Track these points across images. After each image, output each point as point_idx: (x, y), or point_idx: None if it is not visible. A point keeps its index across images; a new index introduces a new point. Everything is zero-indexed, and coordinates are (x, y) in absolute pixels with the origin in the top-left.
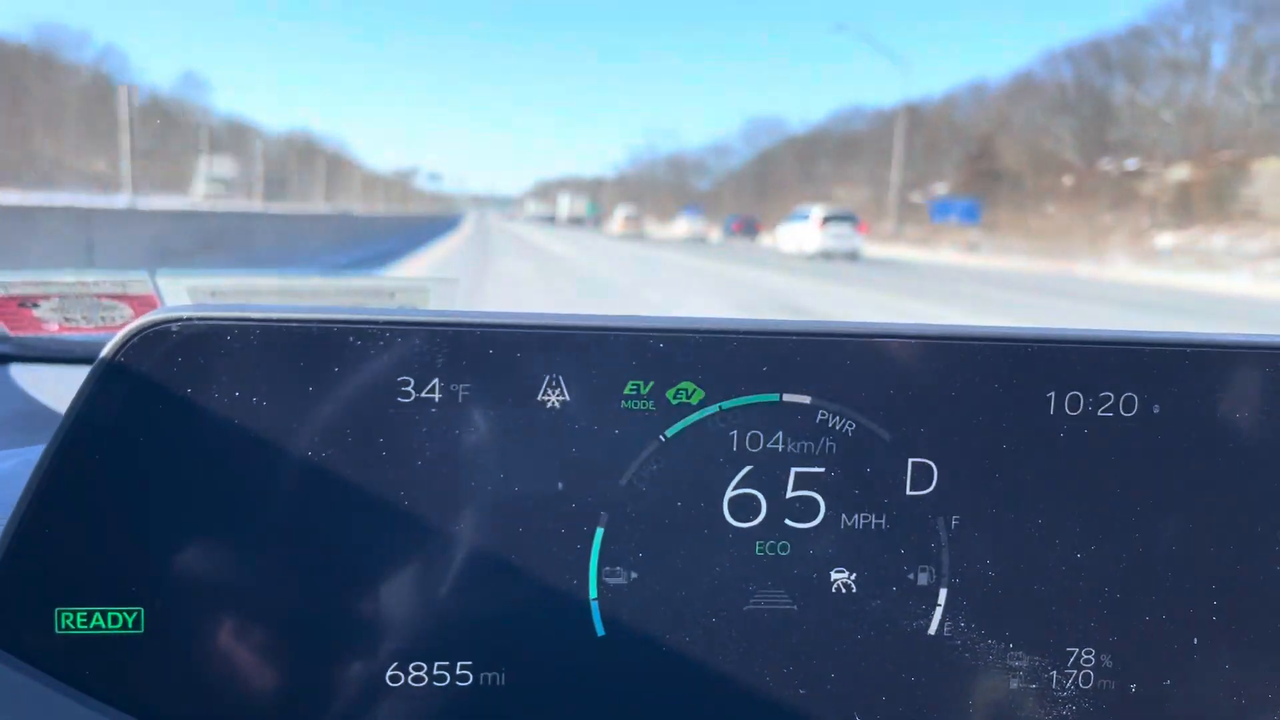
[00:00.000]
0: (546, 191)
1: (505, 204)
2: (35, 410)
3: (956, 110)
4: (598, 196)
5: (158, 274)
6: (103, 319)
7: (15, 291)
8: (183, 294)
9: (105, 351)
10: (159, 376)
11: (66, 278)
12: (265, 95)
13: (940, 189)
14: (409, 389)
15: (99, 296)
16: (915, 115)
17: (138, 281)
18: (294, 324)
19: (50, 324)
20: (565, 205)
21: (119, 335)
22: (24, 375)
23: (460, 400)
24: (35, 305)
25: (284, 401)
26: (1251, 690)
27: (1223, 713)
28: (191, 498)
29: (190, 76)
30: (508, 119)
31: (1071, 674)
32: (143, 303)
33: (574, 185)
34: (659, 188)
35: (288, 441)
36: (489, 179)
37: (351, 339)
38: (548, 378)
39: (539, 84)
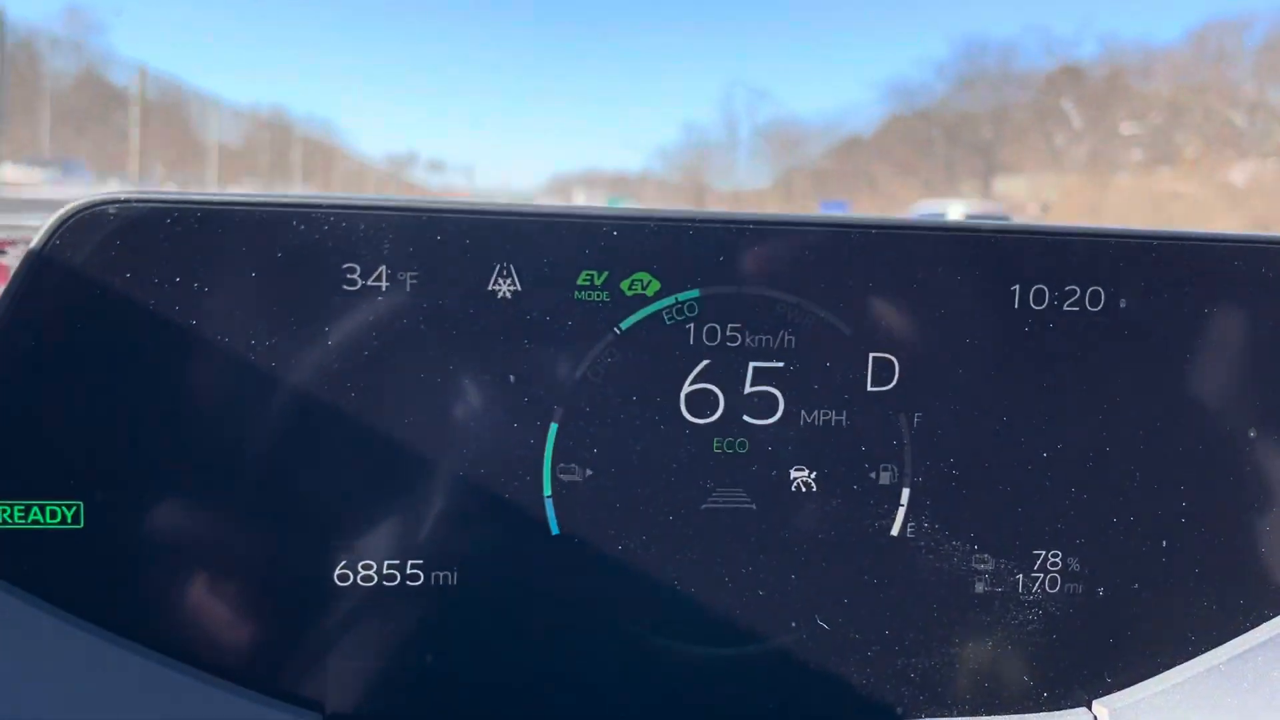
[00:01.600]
0: (564, 187)
1: (522, 200)
2: None
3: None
4: (636, 192)
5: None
6: None
7: None
8: None
9: (38, 236)
10: (96, 261)
11: (36, 221)
12: (244, 73)
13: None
14: (355, 276)
15: None
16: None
17: None
18: (237, 208)
19: None
20: (582, 201)
21: (53, 218)
22: None
23: (408, 288)
24: (3, 253)
25: (225, 289)
26: (1221, 594)
27: (1192, 618)
28: (130, 389)
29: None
30: (522, 105)
31: (1038, 577)
32: None
33: (595, 180)
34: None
35: (230, 330)
36: (501, 175)
37: (295, 223)
38: (498, 266)
39: (560, 63)
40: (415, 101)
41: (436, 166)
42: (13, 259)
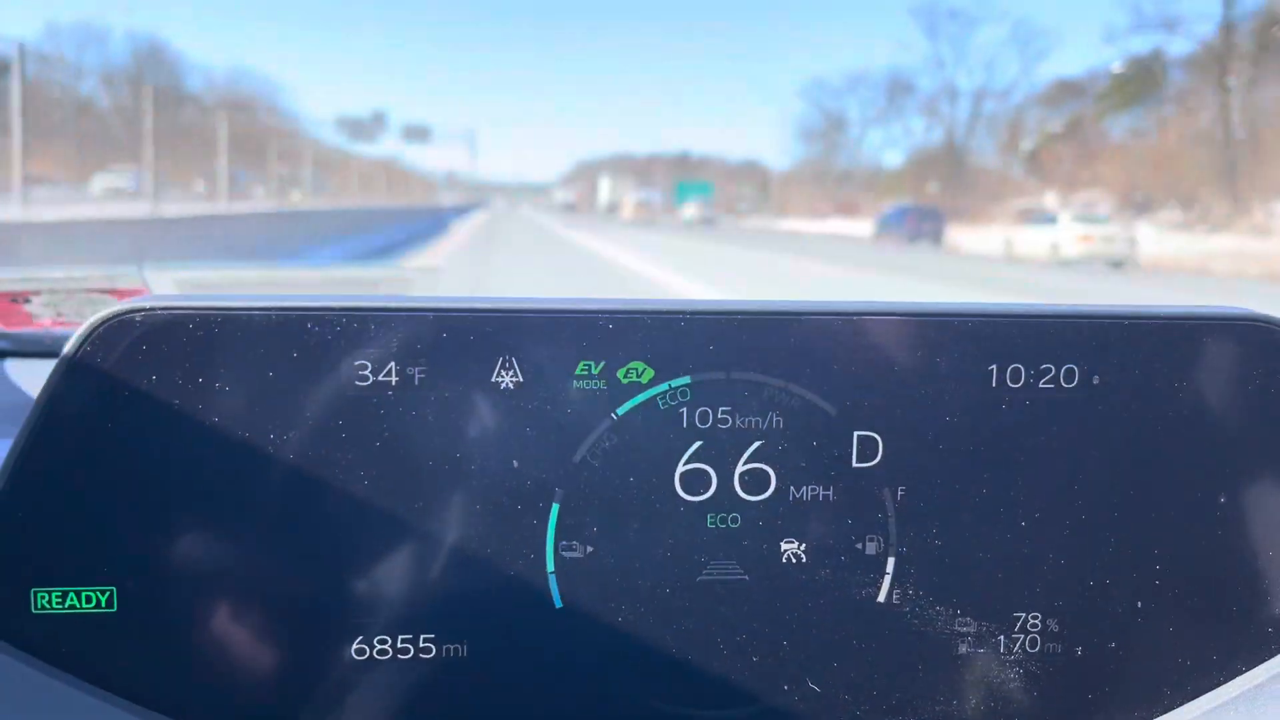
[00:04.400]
0: (587, 175)
1: (540, 191)
2: (30, 404)
3: None
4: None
5: (145, 267)
6: (94, 313)
7: (7, 288)
8: (170, 286)
9: (70, 343)
10: (124, 365)
11: (57, 273)
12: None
13: None
14: (366, 373)
15: (89, 291)
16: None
17: (126, 275)
18: (254, 312)
19: (43, 318)
20: (606, 191)
21: (83, 327)
22: (18, 370)
23: (416, 383)
24: (27, 301)
25: (245, 388)
26: (1195, 653)
27: (1166, 675)
28: (158, 483)
29: None
30: (542, 89)
31: (1019, 638)
32: (132, 296)
33: (622, 166)
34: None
35: (250, 427)
36: (512, 162)
37: (310, 325)
38: (501, 359)
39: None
40: (385, 56)
41: (417, 134)
42: (36, 308)
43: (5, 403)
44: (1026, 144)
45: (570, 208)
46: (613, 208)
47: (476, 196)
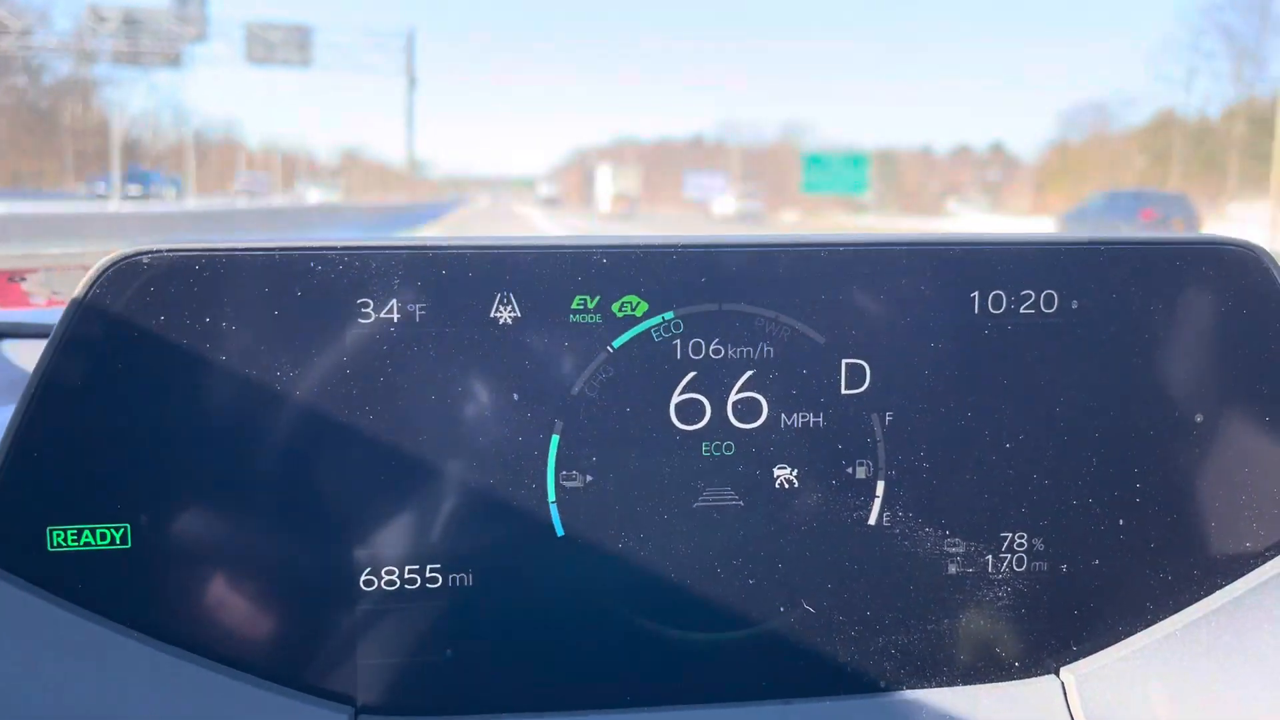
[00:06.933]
0: (583, 165)
1: (530, 185)
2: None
3: None
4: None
5: (140, 244)
6: None
7: (3, 266)
8: None
9: (81, 286)
10: (133, 307)
11: (53, 249)
12: None
13: None
14: (369, 310)
15: (86, 268)
16: None
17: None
18: (257, 253)
19: (38, 297)
20: (607, 184)
21: (93, 269)
22: (16, 350)
23: (417, 319)
24: (23, 279)
25: (251, 327)
26: (1176, 568)
27: (1149, 591)
28: (168, 421)
29: None
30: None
31: (1006, 558)
32: None
33: (627, 153)
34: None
35: (256, 365)
36: (500, 157)
37: (312, 264)
38: (499, 295)
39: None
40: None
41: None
42: (32, 286)
43: (6, 379)
44: None
45: (553, 202)
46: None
47: (450, 193)
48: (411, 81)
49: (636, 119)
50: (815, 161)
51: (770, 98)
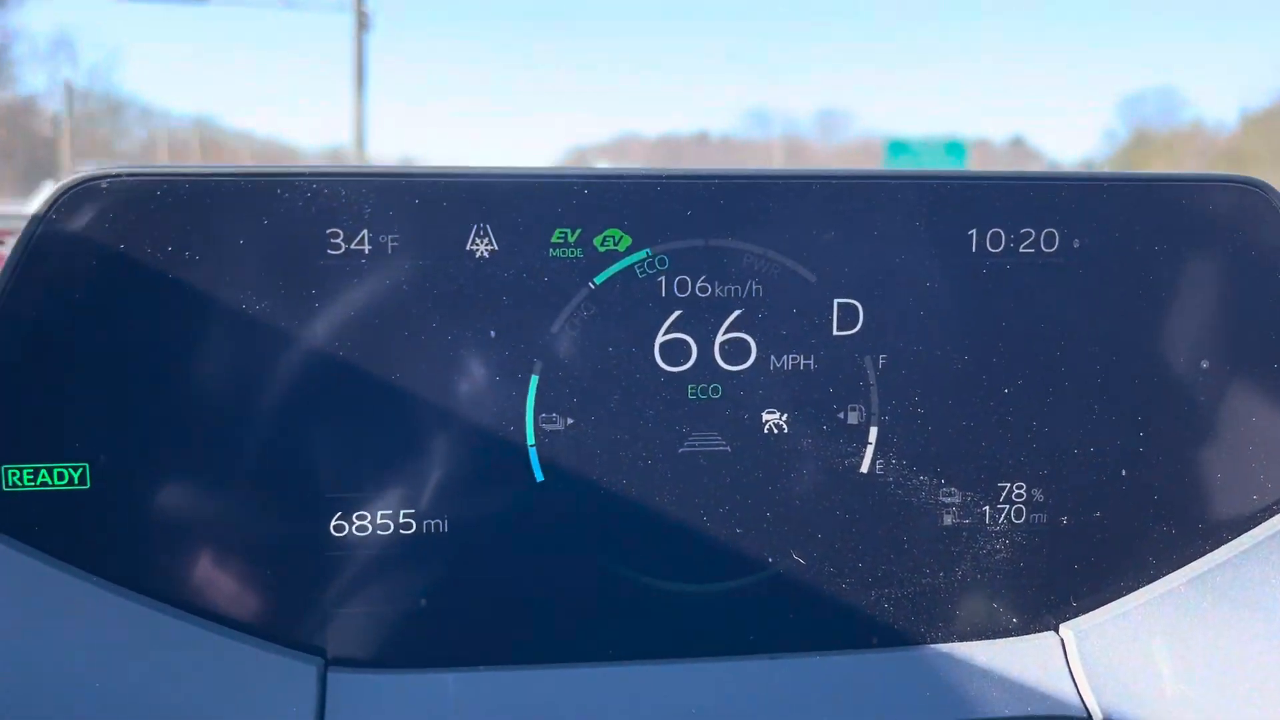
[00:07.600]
0: (582, 163)
1: None
2: None
3: None
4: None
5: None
6: None
7: None
8: None
9: (38, 209)
10: (92, 233)
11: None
12: None
13: None
14: (338, 241)
15: None
16: None
17: None
18: (223, 179)
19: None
20: None
21: (51, 192)
22: None
23: (390, 251)
24: (1, 243)
25: (216, 256)
26: (1178, 521)
27: (1152, 544)
28: (128, 355)
29: None
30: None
31: (1004, 509)
32: None
33: (631, 148)
34: None
35: (220, 295)
36: (501, 158)
37: (279, 191)
38: (475, 227)
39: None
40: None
41: None
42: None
43: None
44: None
45: None
46: None
47: None
48: (362, 21)
49: (640, 117)
50: (901, 149)
51: (788, 93)
